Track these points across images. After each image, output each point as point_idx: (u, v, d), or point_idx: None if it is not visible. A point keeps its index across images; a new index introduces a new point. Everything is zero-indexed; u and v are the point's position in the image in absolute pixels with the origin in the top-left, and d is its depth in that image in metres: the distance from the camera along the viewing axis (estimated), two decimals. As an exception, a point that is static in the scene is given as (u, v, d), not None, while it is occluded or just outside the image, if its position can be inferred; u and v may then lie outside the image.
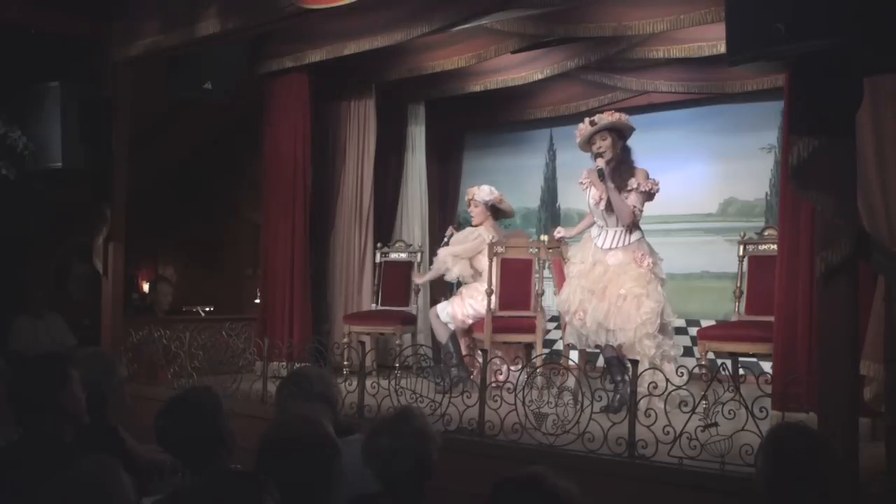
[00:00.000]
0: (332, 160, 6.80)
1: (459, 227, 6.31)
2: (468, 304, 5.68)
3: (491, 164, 7.63)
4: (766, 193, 6.31)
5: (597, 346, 4.89)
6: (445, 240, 5.97)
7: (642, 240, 4.90)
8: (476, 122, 7.57)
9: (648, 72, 6.33)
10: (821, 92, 3.08)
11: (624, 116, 4.91)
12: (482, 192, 5.92)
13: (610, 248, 4.85)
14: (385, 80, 6.62)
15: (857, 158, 3.14)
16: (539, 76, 6.24)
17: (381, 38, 5.44)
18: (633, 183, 4.82)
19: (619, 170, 4.83)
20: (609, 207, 4.84)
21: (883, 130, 3.31)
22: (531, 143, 7.57)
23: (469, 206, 6.01)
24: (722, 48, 4.34)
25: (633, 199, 4.82)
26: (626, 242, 4.84)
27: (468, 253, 5.85)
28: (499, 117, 7.42)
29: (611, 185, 4.78)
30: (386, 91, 6.81)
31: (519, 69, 6.32)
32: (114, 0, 5.95)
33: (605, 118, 4.86)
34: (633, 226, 4.88)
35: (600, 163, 4.81)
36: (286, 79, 6.34)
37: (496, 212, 6.02)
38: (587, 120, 4.90)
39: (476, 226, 5.96)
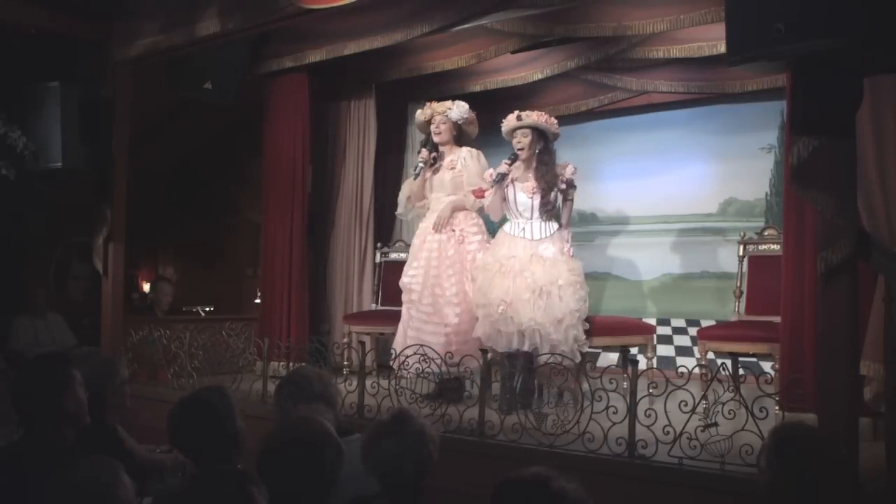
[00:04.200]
0: (331, 160, 6.80)
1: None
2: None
3: (491, 163, 7.60)
4: (766, 193, 6.30)
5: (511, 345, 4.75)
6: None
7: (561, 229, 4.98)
8: (476, 121, 7.57)
9: (648, 72, 6.33)
10: (821, 92, 3.08)
11: (552, 120, 4.97)
12: (461, 108, 5.22)
13: (541, 240, 4.87)
14: (385, 80, 6.61)
15: (857, 158, 3.14)
16: (539, 76, 6.24)
17: (381, 38, 5.43)
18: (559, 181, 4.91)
19: (544, 171, 4.89)
20: (544, 202, 4.87)
21: (883, 130, 3.32)
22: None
23: (434, 123, 5.23)
24: (722, 48, 4.34)
25: (568, 188, 4.94)
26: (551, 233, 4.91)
27: None
28: (499, 117, 7.39)
29: (504, 184, 4.91)
30: (386, 91, 6.80)
31: (519, 69, 6.32)
32: (114, 0, 5.95)
33: (532, 118, 4.89)
34: (552, 216, 4.96)
35: (503, 168, 4.89)
36: (286, 79, 6.34)
37: (460, 134, 5.34)
38: (516, 113, 4.96)
39: (443, 144, 5.27)
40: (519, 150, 4.90)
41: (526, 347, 4.61)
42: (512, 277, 4.70)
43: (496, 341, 4.69)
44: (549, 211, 4.90)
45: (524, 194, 4.92)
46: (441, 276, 5.03)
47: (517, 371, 4.61)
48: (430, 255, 5.09)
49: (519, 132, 4.92)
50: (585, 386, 4.10)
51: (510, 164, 4.90)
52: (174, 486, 2.90)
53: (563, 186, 4.93)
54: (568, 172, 4.93)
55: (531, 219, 4.92)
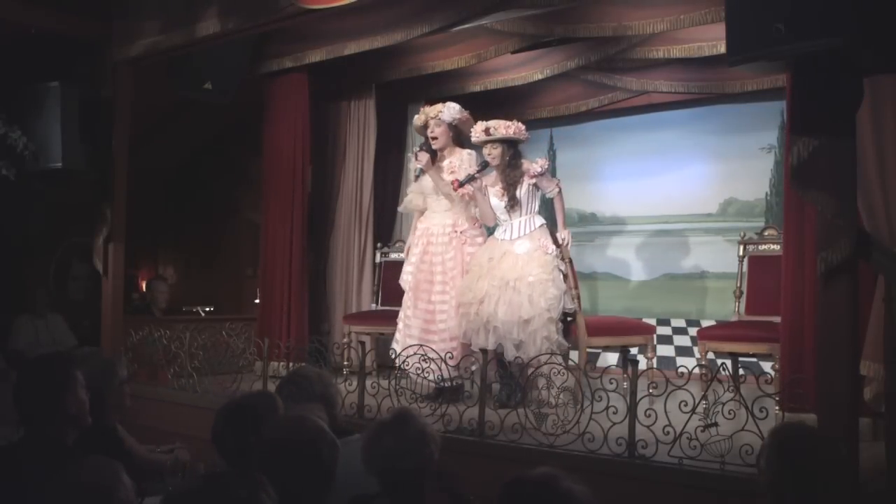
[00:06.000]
0: (332, 160, 6.80)
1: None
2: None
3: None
4: (766, 193, 6.31)
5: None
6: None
7: (545, 226, 5.01)
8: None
9: (648, 72, 6.33)
10: (821, 92, 3.08)
11: (520, 127, 5.01)
12: (451, 110, 5.18)
13: (518, 237, 4.94)
14: (385, 80, 6.61)
15: (857, 158, 3.14)
16: (539, 76, 6.24)
17: (381, 38, 5.44)
18: (525, 178, 4.96)
19: (509, 172, 4.98)
20: (511, 202, 4.95)
21: (883, 130, 3.32)
22: (531, 143, 7.52)
23: (429, 128, 5.23)
24: (722, 48, 4.34)
25: (544, 184, 5.02)
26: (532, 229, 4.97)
27: None
28: (499, 117, 7.40)
29: (480, 185, 5.02)
30: (386, 91, 6.80)
31: (519, 69, 6.32)
32: (114, 0, 5.95)
33: (501, 131, 4.95)
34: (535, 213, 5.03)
35: (472, 170, 5.03)
36: (286, 79, 6.34)
37: (458, 135, 5.30)
38: (484, 125, 5.01)
39: (441, 150, 5.24)
40: (490, 160, 5.01)
41: (491, 346, 4.66)
42: (486, 279, 4.81)
43: (472, 339, 4.80)
44: (514, 206, 4.97)
45: (496, 199, 5.05)
46: (446, 281, 5.11)
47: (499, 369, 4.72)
48: (434, 258, 5.15)
49: (489, 144, 5.01)
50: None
51: (479, 170, 5.03)
52: (179, 485, 2.90)
53: (533, 181, 4.99)
54: (535, 167, 4.98)
55: (510, 220, 5.01)
